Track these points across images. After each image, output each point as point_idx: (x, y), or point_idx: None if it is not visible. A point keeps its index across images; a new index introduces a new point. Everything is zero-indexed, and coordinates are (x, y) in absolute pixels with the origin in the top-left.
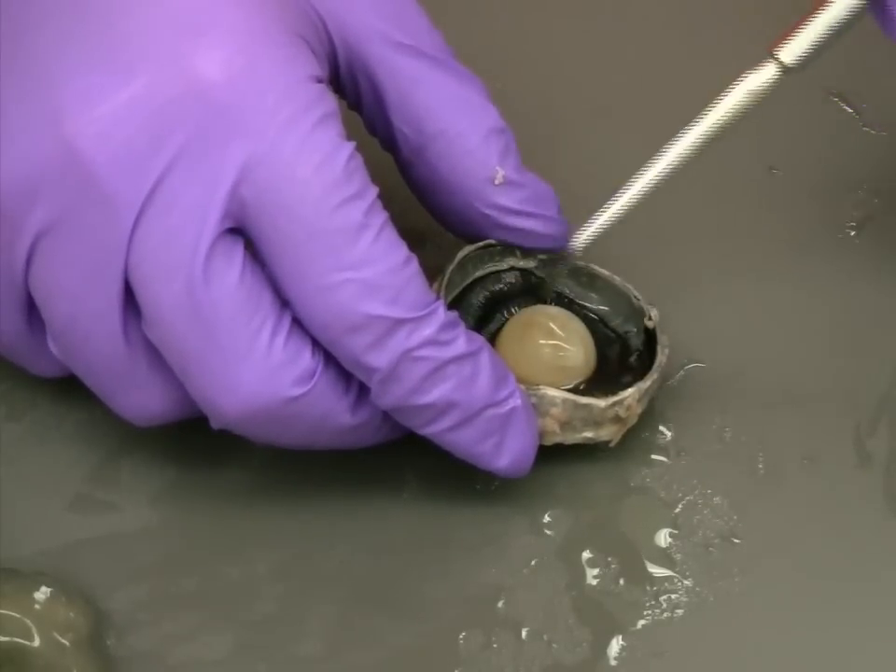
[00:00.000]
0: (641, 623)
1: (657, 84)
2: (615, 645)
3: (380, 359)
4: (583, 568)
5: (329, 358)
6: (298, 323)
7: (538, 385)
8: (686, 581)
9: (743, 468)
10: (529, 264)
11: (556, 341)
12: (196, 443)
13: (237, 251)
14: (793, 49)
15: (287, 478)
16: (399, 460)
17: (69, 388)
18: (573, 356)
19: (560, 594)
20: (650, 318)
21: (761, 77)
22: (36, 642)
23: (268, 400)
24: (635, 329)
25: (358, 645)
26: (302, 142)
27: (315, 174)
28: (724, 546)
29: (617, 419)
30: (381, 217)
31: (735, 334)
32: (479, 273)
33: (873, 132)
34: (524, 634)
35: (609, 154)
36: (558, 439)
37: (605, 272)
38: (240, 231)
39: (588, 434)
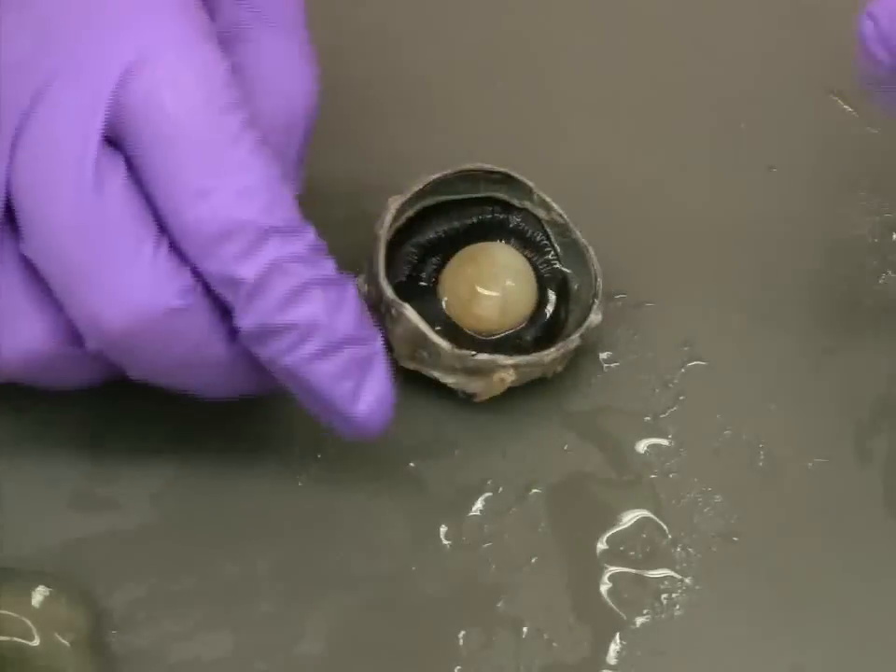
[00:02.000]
0: (641, 622)
1: (658, 84)
2: (615, 644)
3: (248, 269)
4: (584, 568)
5: (207, 285)
6: (175, 247)
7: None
8: (686, 581)
9: (743, 467)
10: (542, 214)
11: (479, 285)
12: (196, 442)
13: (119, 161)
14: None
15: (287, 477)
16: (399, 459)
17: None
18: (487, 307)
19: (560, 592)
20: (590, 319)
21: None
22: (36, 642)
23: (152, 310)
24: (580, 317)
25: (358, 644)
26: (185, 49)
27: (198, 80)
28: (724, 545)
29: (471, 373)
30: (257, 133)
31: (734, 333)
32: (465, 196)
33: (873, 131)
34: (524, 632)
35: (610, 154)
36: (412, 365)
37: (584, 240)
38: (117, 145)
39: (436, 374)
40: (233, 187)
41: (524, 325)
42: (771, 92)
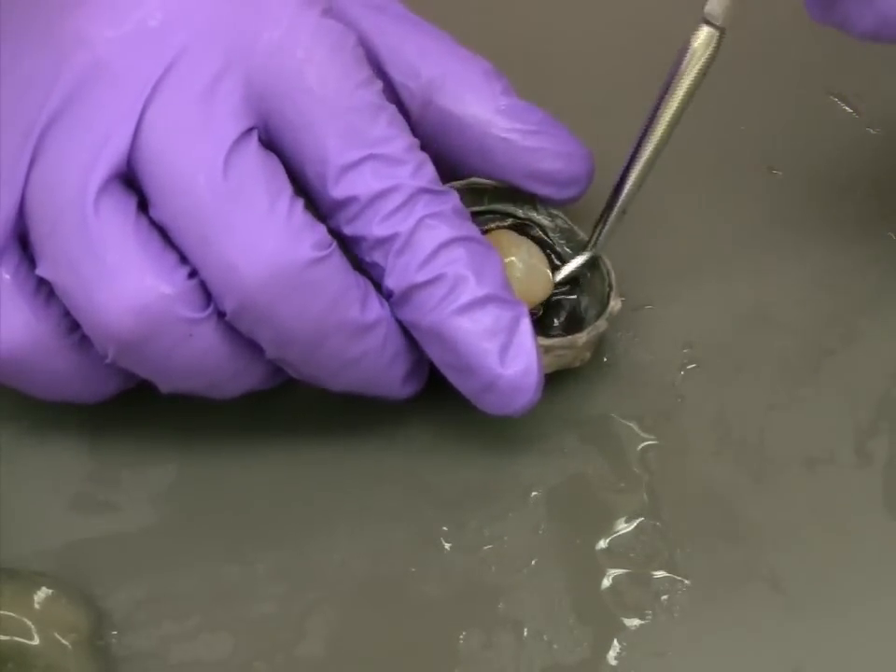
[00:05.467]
0: (641, 623)
1: (658, 84)
2: (615, 645)
3: (399, 224)
4: (584, 569)
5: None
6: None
7: None
8: (686, 581)
9: (743, 468)
10: (545, 222)
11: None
12: (196, 443)
13: (253, 131)
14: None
15: (288, 478)
16: (399, 460)
17: None
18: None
19: (560, 594)
20: (612, 305)
21: (704, 46)
22: (36, 642)
23: (290, 261)
24: (594, 313)
25: (358, 645)
26: (316, 25)
27: (332, 55)
28: (724, 546)
29: None
30: (391, 104)
31: (734, 334)
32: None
33: (873, 131)
34: (524, 634)
35: (610, 154)
36: None
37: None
38: (255, 125)
39: None
40: (380, 158)
41: (540, 308)
42: (771, 92)
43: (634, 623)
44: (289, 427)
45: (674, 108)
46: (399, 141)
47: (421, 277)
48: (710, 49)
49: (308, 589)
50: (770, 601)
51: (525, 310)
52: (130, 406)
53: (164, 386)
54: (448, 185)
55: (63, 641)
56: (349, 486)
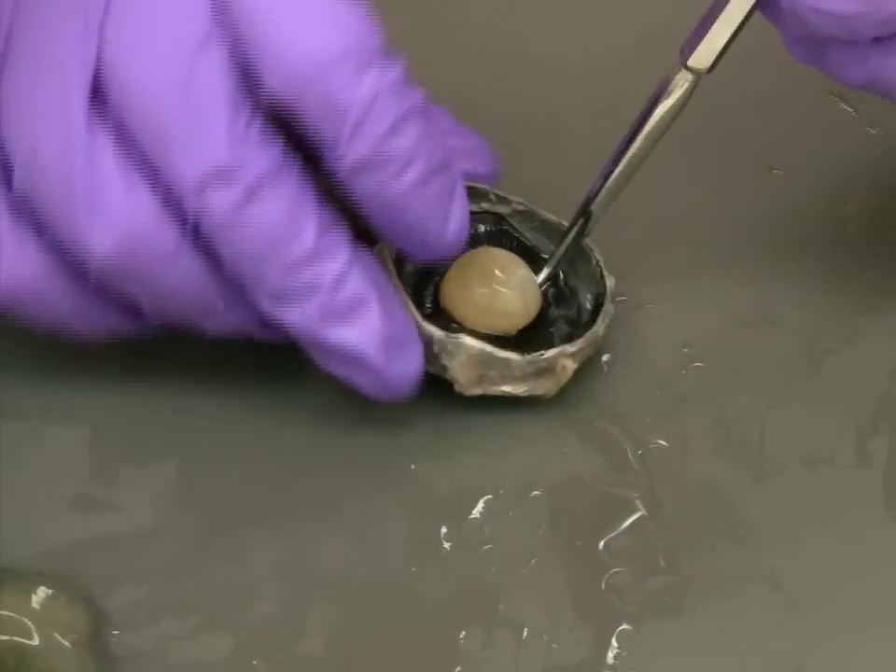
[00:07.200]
0: (641, 624)
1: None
2: (615, 645)
3: (359, 92)
4: (584, 568)
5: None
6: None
7: (463, 330)
8: (686, 583)
9: (743, 468)
10: (503, 210)
11: (494, 283)
12: (196, 443)
13: (222, 41)
14: (705, 55)
15: (288, 478)
16: (400, 461)
17: (70, 387)
18: (510, 300)
19: (560, 594)
20: (609, 286)
21: (678, 90)
22: (36, 642)
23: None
24: (590, 296)
25: (358, 645)
26: None
27: None
28: (724, 546)
29: (540, 374)
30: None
31: (734, 334)
32: None
33: (873, 131)
34: (524, 634)
35: (609, 156)
36: (477, 390)
37: (555, 217)
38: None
39: (506, 388)
40: (325, 20)
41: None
42: (771, 92)
43: (634, 622)
44: (289, 427)
45: (644, 145)
46: (340, 7)
47: (383, 149)
48: (686, 91)
49: (308, 589)
50: (770, 601)
51: (460, 169)
52: (130, 406)
53: (154, 311)
54: None
55: (63, 641)
56: (349, 486)
